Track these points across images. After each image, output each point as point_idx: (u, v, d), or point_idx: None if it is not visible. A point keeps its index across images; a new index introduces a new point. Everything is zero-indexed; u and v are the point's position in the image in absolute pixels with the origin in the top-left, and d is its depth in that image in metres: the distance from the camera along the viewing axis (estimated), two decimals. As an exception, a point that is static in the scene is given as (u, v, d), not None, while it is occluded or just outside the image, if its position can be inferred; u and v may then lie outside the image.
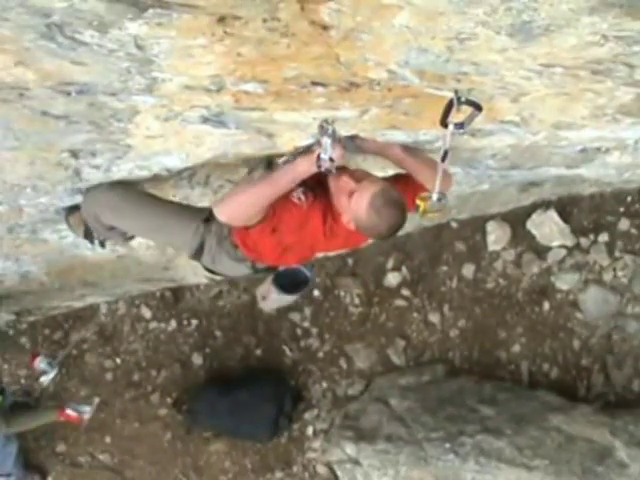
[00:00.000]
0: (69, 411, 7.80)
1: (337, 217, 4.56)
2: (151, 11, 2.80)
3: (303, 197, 4.53)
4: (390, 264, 8.62)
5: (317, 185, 4.59)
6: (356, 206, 4.34)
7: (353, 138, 4.61)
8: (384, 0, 2.81)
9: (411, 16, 2.90)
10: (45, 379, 7.68)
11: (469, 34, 2.98)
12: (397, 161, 4.80)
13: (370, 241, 5.42)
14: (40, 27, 2.89)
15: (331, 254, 8.36)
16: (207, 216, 4.98)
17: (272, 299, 6.23)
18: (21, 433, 8.42)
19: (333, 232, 4.65)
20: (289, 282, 6.20)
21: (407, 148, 4.79)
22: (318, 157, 4.21)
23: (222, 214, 4.46)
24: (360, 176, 4.46)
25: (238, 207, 4.43)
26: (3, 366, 8.35)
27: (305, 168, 4.31)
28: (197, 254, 5.08)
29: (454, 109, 3.66)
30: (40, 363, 7.62)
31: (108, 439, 8.96)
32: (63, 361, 8.74)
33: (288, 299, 7.83)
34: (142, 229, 5.38)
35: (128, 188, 5.10)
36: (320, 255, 5.64)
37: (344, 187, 4.40)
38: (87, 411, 8.01)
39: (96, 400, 8.09)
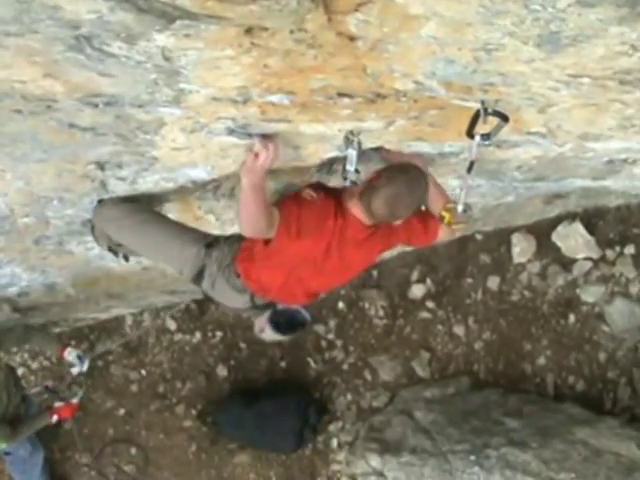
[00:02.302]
0: (57, 404, 7.74)
1: (347, 216, 4.50)
2: (179, 22, 2.80)
3: (314, 194, 4.50)
4: (415, 276, 8.61)
5: (323, 188, 4.61)
6: (375, 179, 4.36)
7: (378, 150, 4.60)
8: (411, 11, 2.80)
9: (438, 27, 2.89)
10: (76, 370, 7.64)
11: (496, 45, 2.96)
12: None
13: (382, 253, 5.25)
14: (69, 39, 2.90)
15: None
16: (210, 241, 4.98)
17: (268, 334, 6.19)
18: (47, 444, 8.43)
19: (343, 234, 4.55)
20: (286, 321, 6.09)
21: (426, 169, 4.76)
22: (256, 155, 4.14)
23: (246, 233, 4.49)
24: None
25: (250, 224, 4.36)
26: (30, 377, 8.37)
27: (247, 180, 4.18)
28: (197, 278, 5.04)
29: (481, 120, 3.66)
30: (69, 355, 7.60)
31: (133, 450, 8.98)
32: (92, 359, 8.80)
33: (283, 337, 7.85)
34: (142, 247, 5.32)
35: (134, 205, 5.10)
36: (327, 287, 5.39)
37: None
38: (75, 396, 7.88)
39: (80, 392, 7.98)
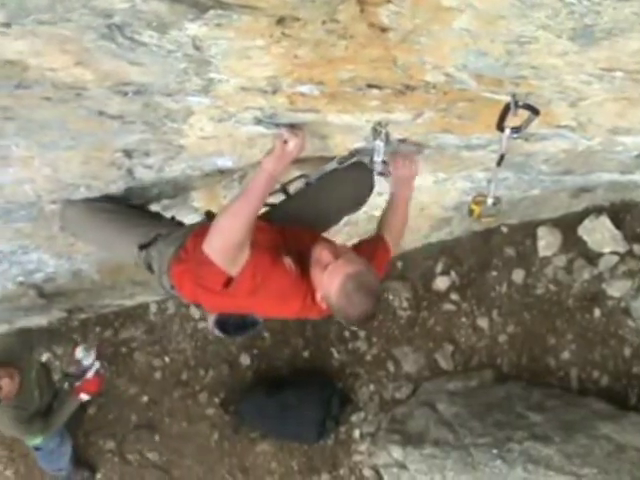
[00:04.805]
0: (78, 383, 7.80)
1: (315, 297, 4.26)
2: (212, 12, 2.80)
3: (293, 266, 4.22)
4: (439, 268, 8.58)
5: (301, 260, 4.29)
6: (328, 283, 4.09)
7: (403, 142, 4.58)
8: (444, 3, 2.79)
9: (471, 19, 2.88)
10: (87, 363, 7.71)
11: (529, 38, 2.95)
12: (395, 200, 4.84)
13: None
14: (101, 28, 2.91)
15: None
16: (146, 241, 4.79)
17: (216, 333, 6.05)
18: (72, 430, 8.50)
19: (305, 311, 4.39)
20: (234, 323, 5.82)
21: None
22: (285, 142, 4.00)
23: (211, 252, 4.05)
24: (341, 252, 4.19)
25: (222, 237, 4.01)
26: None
27: (271, 165, 4.00)
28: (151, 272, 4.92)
29: (511, 113, 3.64)
30: (79, 353, 7.69)
31: (157, 437, 9.03)
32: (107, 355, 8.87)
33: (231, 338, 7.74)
34: (101, 249, 5.39)
35: (91, 207, 5.05)
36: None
37: (322, 260, 4.14)
38: (94, 365, 7.89)
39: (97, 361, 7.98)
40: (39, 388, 7.48)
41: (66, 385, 7.79)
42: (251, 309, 4.59)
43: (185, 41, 3.07)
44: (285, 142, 4.01)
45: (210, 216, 4.69)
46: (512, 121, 3.72)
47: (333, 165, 4.75)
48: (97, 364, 7.88)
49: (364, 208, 5.47)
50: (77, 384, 7.71)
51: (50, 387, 7.70)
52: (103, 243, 5.25)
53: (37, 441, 7.80)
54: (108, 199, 5.06)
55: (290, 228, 4.50)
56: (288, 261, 4.20)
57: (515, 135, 3.81)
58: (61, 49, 3.10)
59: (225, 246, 4.01)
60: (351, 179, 4.83)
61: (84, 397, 7.73)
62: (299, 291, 4.26)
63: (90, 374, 7.74)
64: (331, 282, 4.07)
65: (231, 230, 3.97)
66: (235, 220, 3.97)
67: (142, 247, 4.80)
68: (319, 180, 4.79)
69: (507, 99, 3.64)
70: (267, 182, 4.04)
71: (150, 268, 4.85)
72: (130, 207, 5.17)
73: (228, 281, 4.17)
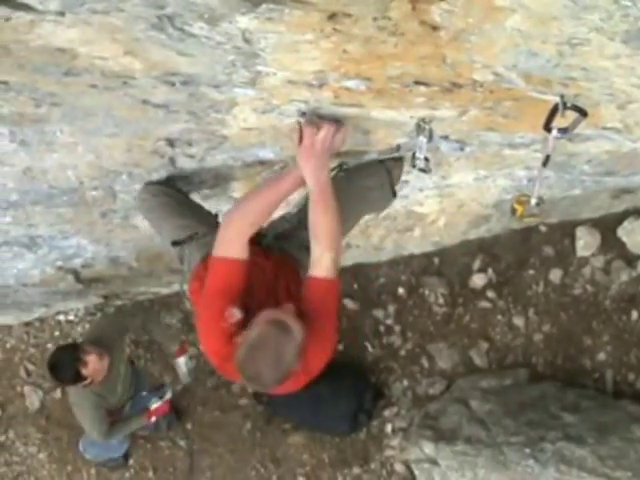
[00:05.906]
0: (154, 405, 7.94)
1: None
2: (264, 6, 2.81)
3: (235, 319, 4.00)
4: (476, 265, 8.55)
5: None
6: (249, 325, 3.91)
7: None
8: (497, 2, 2.78)
9: (523, 19, 2.86)
10: (185, 380, 7.89)
11: (582, 39, 2.93)
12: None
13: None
14: (152, 18, 2.93)
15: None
16: (181, 239, 4.81)
17: None
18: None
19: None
20: None
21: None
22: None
23: (228, 219, 4.13)
24: (286, 308, 3.96)
25: (240, 209, 4.10)
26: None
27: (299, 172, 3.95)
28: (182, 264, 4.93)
29: (559, 114, 3.62)
30: (185, 365, 7.79)
31: (189, 425, 9.06)
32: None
33: None
34: (151, 226, 5.36)
35: (158, 190, 5.08)
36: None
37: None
38: (166, 393, 8.10)
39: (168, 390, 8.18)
40: (123, 385, 7.58)
41: (155, 399, 7.93)
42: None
43: (235, 33, 3.08)
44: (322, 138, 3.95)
45: None
46: (559, 122, 3.70)
47: (372, 156, 4.76)
48: (168, 386, 8.11)
49: (402, 203, 5.47)
50: (154, 406, 7.86)
51: (131, 389, 7.80)
52: (155, 226, 5.27)
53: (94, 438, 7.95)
54: (169, 184, 5.12)
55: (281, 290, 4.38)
56: (234, 312, 4.01)
57: (562, 136, 3.79)
58: (111, 38, 3.13)
59: (239, 219, 4.05)
60: (373, 187, 4.84)
61: (153, 420, 7.92)
62: (223, 336, 4.07)
63: (168, 395, 7.94)
64: (249, 324, 3.90)
65: (249, 206, 4.08)
66: (256, 199, 4.09)
67: (175, 243, 4.85)
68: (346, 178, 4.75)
69: (554, 99, 3.62)
70: (300, 181, 4.05)
71: (182, 262, 4.90)
72: (186, 196, 5.24)
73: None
